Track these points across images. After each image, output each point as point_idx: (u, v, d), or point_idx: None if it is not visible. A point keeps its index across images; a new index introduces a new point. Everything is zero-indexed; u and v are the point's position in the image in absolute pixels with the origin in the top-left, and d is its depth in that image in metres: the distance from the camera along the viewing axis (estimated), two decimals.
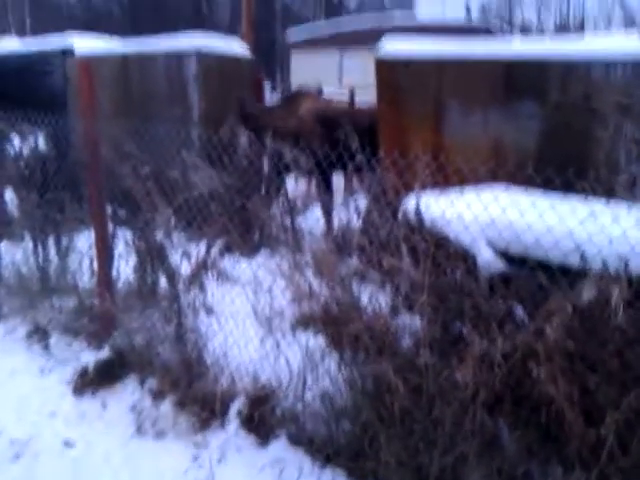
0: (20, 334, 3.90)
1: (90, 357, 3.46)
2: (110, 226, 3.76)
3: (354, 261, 3.21)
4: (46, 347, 3.75)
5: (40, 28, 24.97)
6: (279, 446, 2.76)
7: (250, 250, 4.62)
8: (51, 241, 4.28)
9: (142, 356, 3.34)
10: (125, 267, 3.77)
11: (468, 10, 26.05)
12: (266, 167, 5.27)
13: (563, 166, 2.39)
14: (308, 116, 5.87)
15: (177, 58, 6.36)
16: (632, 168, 3.99)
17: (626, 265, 2.33)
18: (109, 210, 3.88)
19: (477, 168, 2.67)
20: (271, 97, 13.88)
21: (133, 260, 3.72)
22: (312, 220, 5.40)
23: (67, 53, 7.06)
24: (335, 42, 15.82)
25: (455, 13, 20.65)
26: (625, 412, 2.15)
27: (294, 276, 3.07)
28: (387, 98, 4.75)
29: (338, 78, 14.96)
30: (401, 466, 2.44)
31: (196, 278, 3.57)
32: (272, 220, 4.39)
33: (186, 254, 3.51)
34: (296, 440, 2.76)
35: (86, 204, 3.88)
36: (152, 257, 3.60)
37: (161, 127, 4.50)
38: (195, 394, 3.06)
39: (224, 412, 2.94)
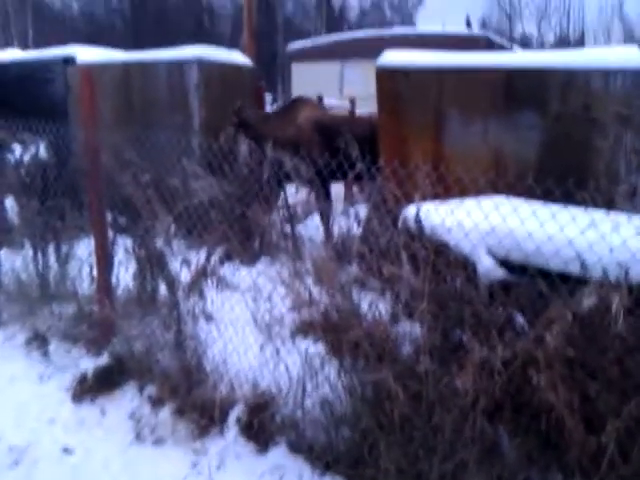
0: (19, 341, 3.89)
1: (89, 364, 3.45)
2: (110, 233, 3.76)
3: (354, 268, 3.21)
4: (45, 354, 3.74)
5: (43, 41, 25.16)
6: (278, 453, 2.74)
7: (250, 258, 4.63)
8: (51, 248, 4.28)
9: (141, 363, 3.33)
10: (125, 274, 3.77)
11: (469, 24, 26.15)
12: (266, 175, 5.28)
13: (563, 176, 2.39)
14: (306, 124, 5.86)
15: (178, 66, 6.39)
16: (632, 178, 4.00)
17: (626, 273, 2.33)
18: (109, 217, 3.89)
19: (477, 178, 2.68)
20: (271, 109, 13.92)
21: (133, 267, 3.71)
22: (312, 228, 5.41)
23: (68, 61, 7.10)
24: (336, 53, 15.90)
25: (456, 27, 20.73)
26: (626, 420, 2.15)
27: (294, 283, 3.07)
28: (388, 108, 4.78)
29: (339, 89, 15.03)
30: (401, 473, 2.43)
31: (196, 285, 3.56)
32: (272, 228, 4.39)
33: (186, 261, 3.51)
34: (296, 447, 2.75)
35: (86, 211, 3.89)
36: (152, 264, 3.60)
37: (162, 135, 4.52)
38: (194, 401, 3.05)
39: (223, 419, 2.93)
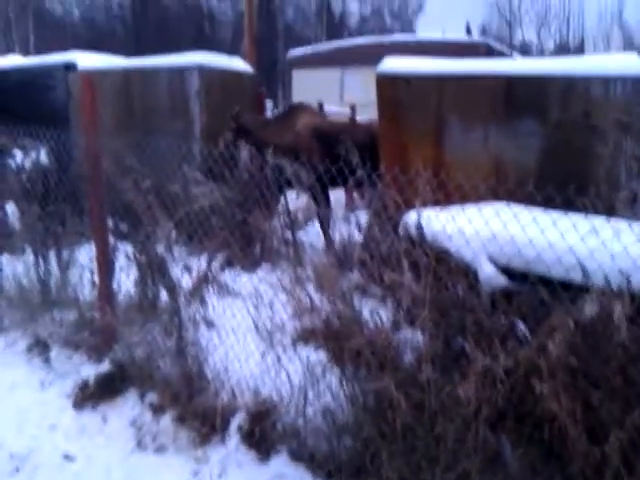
0: (20, 347, 3.88)
1: (90, 370, 3.45)
2: (111, 239, 3.76)
3: (355, 275, 3.21)
4: (46, 360, 3.73)
5: (44, 47, 25.21)
6: (280, 462, 2.73)
7: (251, 264, 4.62)
8: (52, 254, 4.28)
9: (143, 370, 3.33)
10: (126, 280, 3.77)
11: (469, 31, 26.17)
12: (267, 181, 5.28)
13: (563, 183, 2.39)
14: (305, 131, 5.85)
15: (179, 72, 6.40)
16: (632, 185, 4.00)
17: (628, 280, 2.33)
18: (110, 223, 3.88)
19: (478, 185, 2.68)
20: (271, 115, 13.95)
21: (134, 273, 3.71)
22: (313, 234, 5.40)
23: (70, 68, 7.11)
24: (336, 60, 15.91)
25: (456, 34, 20.76)
26: (629, 431, 2.13)
27: (295, 290, 3.06)
28: (388, 114, 4.78)
29: (339, 95, 15.03)
30: None
31: (197, 292, 3.56)
32: (273, 234, 4.39)
33: (187, 268, 3.51)
34: (297, 456, 2.74)
35: (87, 217, 3.89)
36: (153, 271, 3.59)
37: (163, 141, 4.52)
38: (195, 409, 3.04)
39: (225, 427, 2.91)
